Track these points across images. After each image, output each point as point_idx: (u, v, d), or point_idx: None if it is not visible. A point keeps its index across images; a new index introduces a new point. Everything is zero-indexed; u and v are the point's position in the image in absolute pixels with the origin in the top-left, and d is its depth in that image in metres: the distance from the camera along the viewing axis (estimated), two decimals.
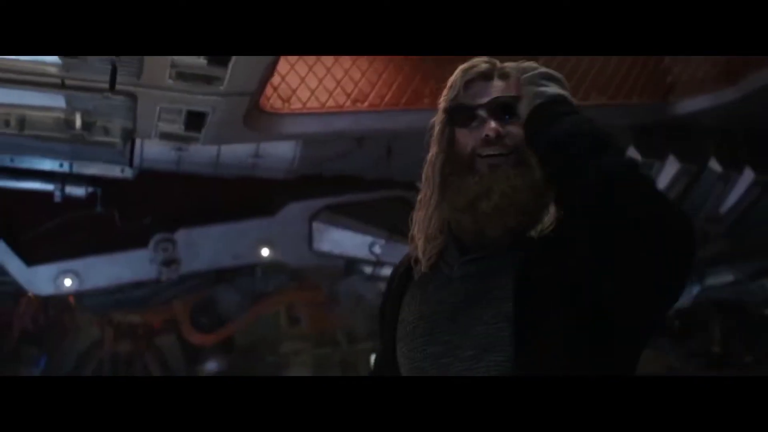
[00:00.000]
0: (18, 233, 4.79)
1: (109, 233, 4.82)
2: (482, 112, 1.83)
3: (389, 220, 4.73)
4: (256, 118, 3.61)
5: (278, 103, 3.70)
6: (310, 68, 3.83)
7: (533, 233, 1.78)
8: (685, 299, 4.70)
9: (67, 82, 3.29)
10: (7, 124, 3.53)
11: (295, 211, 4.78)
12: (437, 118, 1.90)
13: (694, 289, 4.72)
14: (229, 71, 3.15)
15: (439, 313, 1.86)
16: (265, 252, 4.89)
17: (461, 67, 1.89)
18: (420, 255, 1.90)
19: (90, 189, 4.48)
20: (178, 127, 3.47)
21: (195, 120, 3.43)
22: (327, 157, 4.27)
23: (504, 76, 1.87)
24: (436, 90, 3.76)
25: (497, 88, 1.85)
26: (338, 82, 3.72)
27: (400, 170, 4.39)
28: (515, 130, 1.82)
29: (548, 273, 1.71)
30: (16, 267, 4.93)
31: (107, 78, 3.25)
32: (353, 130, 3.97)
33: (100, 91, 3.29)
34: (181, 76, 3.19)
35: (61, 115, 3.58)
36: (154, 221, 4.86)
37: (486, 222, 1.81)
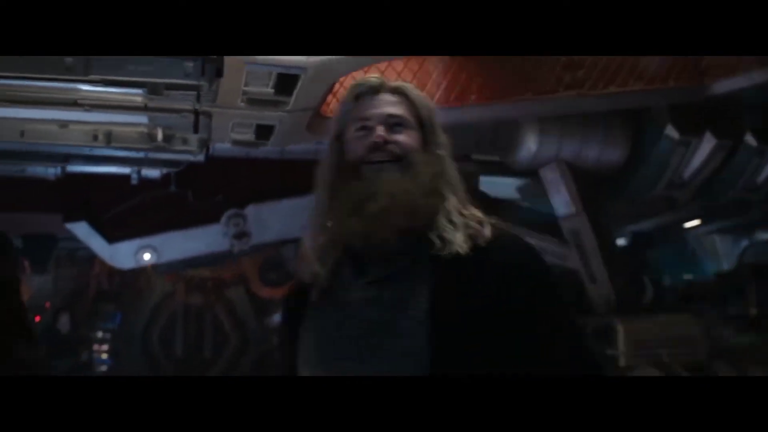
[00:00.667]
0: (99, 214, 5.25)
1: (183, 211, 5.23)
2: (371, 123, 2.03)
3: None
4: (317, 124, 4.00)
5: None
6: (365, 73, 4.24)
7: (432, 252, 1.91)
8: (726, 263, 5.12)
9: (150, 104, 3.82)
10: (95, 138, 4.01)
11: None
12: (330, 133, 2.10)
13: (734, 253, 5.12)
14: (294, 96, 3.63)
15: (340, 340, 2.02)
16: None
17: (351, 83, 2.15)
18: (314, 268, 2.03)
19: (165, 171, 4.84)
20: (249, 137, 3.96)
21: (264, 131, 3.90)
22: None
23: (392, 90, 2.09)
24: (481, 87, 4.20)
25: (386, 101, 2.07)
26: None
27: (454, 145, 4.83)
28: (402, 138, 2.01)
29: (465, 317, 1.85)
30: (98, 245, 5.40)
31: (186, 104, 3.78)
32: None
33: (179, 112, 3.81)
34: (252, 101, 3.67)
35: (144, 130, 4.01)
36: (225, 199, 5.25)
37: (374, 224, 1.95)
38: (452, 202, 2.01)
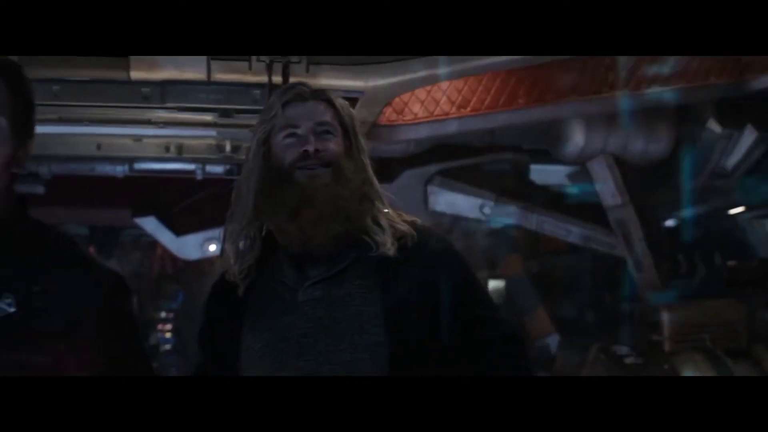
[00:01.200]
0: (166, 209, 5.63)
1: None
2: (300, 130, 2.17)
3: (497, 182, 5.41)
4: (375, 132, 4.39)
5: (393, 116, 4.46)
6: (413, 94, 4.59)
7: (372, 252, 2.11)
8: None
9: (219, 122, 4.25)
10: (167, 149, 4.44)
11: (411, 176, 5.37)
12: (255, 136, 2.27)
13: None
14: (355, 110, 4.03)
15: (288, 339, 2.15)
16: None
17: (278, 90, 2.31)
18: (235, 270, 2.19)
19: (227, 167, 5.28)
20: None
21: None
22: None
23: (318, 98, 2.25)
24: (528, 91, 4.60)
25: (313, 108, 2.21)
26: (444, 92, 4.48)
27: (504, 138, 5.12)
28: (331, 146, 2.18)
29: (413, 309, 2.08)
30: (167, 238, 5.77)
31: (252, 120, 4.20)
32: (458, 133, 4.70)
33: (248, 127, 4.23)
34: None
35: (213, 142, 4.42)
36: None
37: (311, 229, 2.13)
38: (378, 206, 2.23)
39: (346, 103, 2.31)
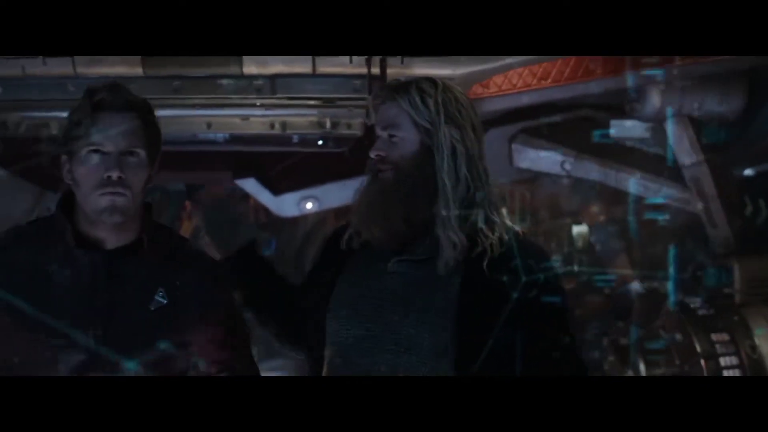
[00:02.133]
0: (264, 170, 6.17)
1: (340, 165, 5.81)
2: (377, 133, 2.57)
3: (577, 139, 5.87)
4: None
5: (479, 90, 4.96)
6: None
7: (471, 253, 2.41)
8: None
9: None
10: (272, 126, 5.02)
11: (496, 135, 5.76)
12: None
13: None
14: None
15: (367, 299, 2.49)
16: None
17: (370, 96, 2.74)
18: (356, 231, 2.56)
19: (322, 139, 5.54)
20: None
21: None
22: None
23: (388, 98, 2.58)
24: (605, 63, 5.17)
25: (381, 113, 2.58)
26: (526, 65, 5.09)
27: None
28: (394, 150, 2.53)
29: (486, 304, 2.36)
30: (266, 197, 6.33)
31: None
32: (540, 103, 5.24)
33: (348, 107, 4.82)
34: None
35: (315, 119, 4.99)
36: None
37: (376, 222, 2.53)
38: (449, 198, 2.51)
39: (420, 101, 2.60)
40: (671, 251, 5.68)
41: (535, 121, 5.95)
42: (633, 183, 5.78)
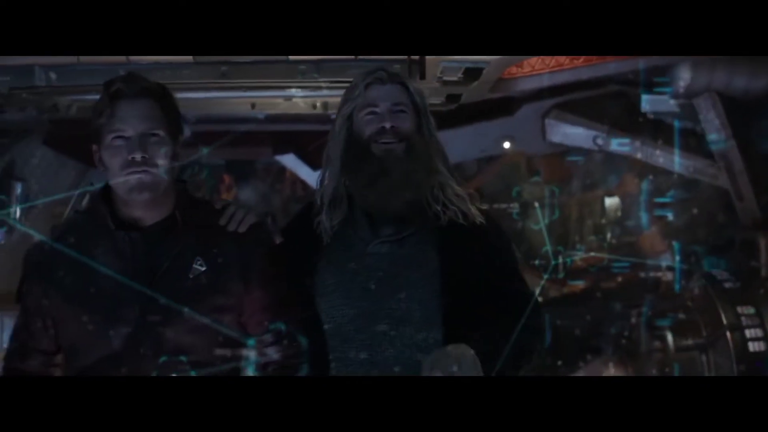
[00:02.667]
0: (302, 147, 6.48)
1: None
2: (379, 109, 2.69)
3: (609, 114, 6.09)
4: (498, 85, 5.12)
5: (514, 70, 5.11)
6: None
7: (438, 220, 2.63)
8: None
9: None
10: (314, 107, 5.24)
11: (529, 110, 6.04)
12: (340, 112, 2.80)
13: None
14: (482, 76, 4.89)
15: (355, 281, 2.63)
16: (506, 144, 6.22)
17: (361, 73, 2.82)
18: (326, 220, 2.71)
19: None
20: (441, 105, 5.23)
21: (452, 98, 5.16)
22: None
23: (395, 80, 2.76)
24: None
25: (391, 90, 2.74)
26: None
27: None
28: (405, 124, 2.69)
29: (468, 275, 2.57)
30: (305, 172, 6.71)
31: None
32: (572, 82, 5.42)
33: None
34: (442, 82, 4.93)
35: None
36: None
37: (385, 196, 2.61)
38: (445, 179, 2.74)
39: (419, 86, 2.90)
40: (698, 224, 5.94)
41: (567, 97, 6.15)
42: (662, 157, 6.02)
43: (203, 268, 2.59)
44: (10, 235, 6.50)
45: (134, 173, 2.51)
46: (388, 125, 2.67)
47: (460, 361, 2.36)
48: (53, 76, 4.46)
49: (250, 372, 2.71)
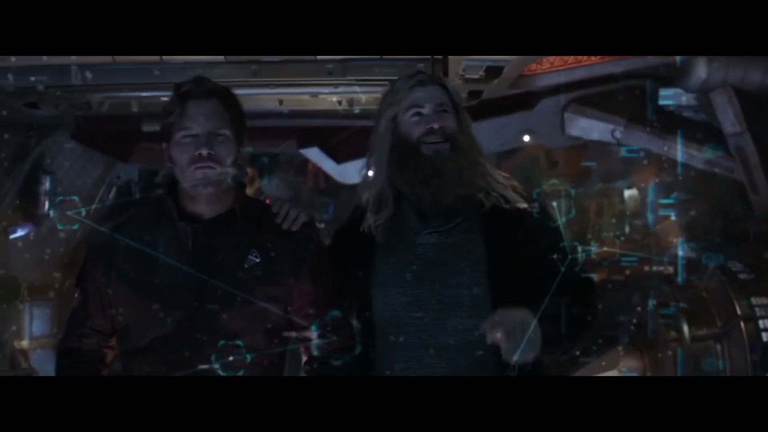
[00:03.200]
0: (327, 140, 6.65)
1: None
2: (424, 110, 2.86)
3: (626, 108, 6.25)
4: (517, 81, 5.34)
5: (533, 66, 5.33)
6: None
7: (483, 209, 2.80)
8: None
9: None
10: (339, 103, 5.42)
11: (548, 104, 6.17)
12: (384, 115, 2.95)
13: None
14: (502, 74, 5.09)
15: (407, 271, 2.79)
16: (526, 138, 6.37)
17: (404, 76, 2.99)
18: (373, 218, 2.88)
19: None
20: (463, 101, 5.40)
21: (474, 94, 5.35)
22: None
23: (436, 82, 2.93)
24: None
25: (433, 91, 2.90)
26: None
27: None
28: (449, 123, 2.86)
29: (512, 256, 2.74)
30: (329, 165, 6.86)
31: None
32: (589, 77, 5.64)
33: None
34: (464, 79, 5.14)
35: (379, 95, 5.49)
36: None
37: (441, 194, 2.79)
38: (487, 169, 2.93)
39: (455, 86, 3.15)
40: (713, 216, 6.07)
41: (586, 91, 6.31)
42: (680, 151, 6.14)
43: (257, 260, 2.82)
44: (38, 228, 6.74)
45: (200, 168, 2.74)
46: (435, 126, 2.85)
47: (524, 324, 2.55)
48: (89, 75, 4.65)
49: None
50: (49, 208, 7.01)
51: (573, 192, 6.57)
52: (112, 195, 7.45)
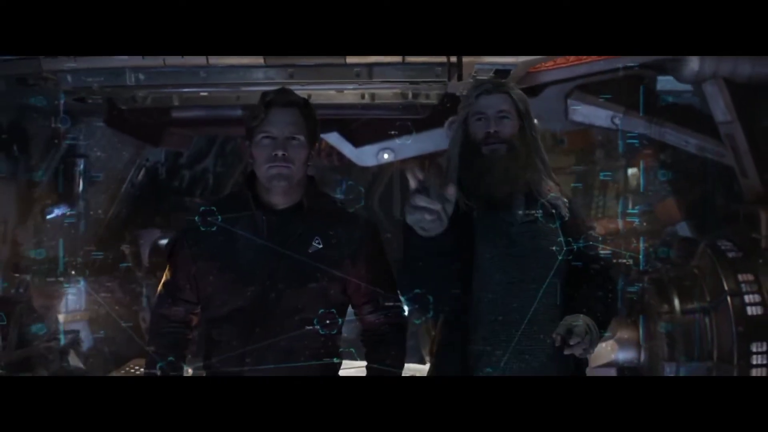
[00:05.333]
0: (346, 125, 7.12)
1: (414, 120, 6.86)
2: (486, 115, 3.27)
3: (626, 96, 6.73)
4: (524, 79, 5.93)
5: (538, 64, 5.93)
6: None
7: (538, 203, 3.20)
8: None
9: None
10: (362, 97, 6.05)
11: (553, 91, 6.65)
12: (459, 118, 3.36)
13: None
14: (510, 75, 5.75)
15: (503, 255, 3.22)
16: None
17: (473, 84, 3.53)
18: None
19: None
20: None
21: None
22: None
23: (500, 90, 3.32)
24: None
25: (497, 99, 3.30)
26: None
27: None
28: (506, 128, 3.27)
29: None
30: (347, 148, 7.33)
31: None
32: (590, 73, 6.20)
33: (429, 83, 5.73)
34: (475, 79, 5.73)
35: (398, 91, 6.05)
36: (447, 109, 6.39)
37: (492, 188, 3.21)
38: (541, 175, 3.33)
39: (521, 92, 3.48)
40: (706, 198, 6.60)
41: (588, 79, 6.81)
42: (675, 136, 6.70)
43: (320, 246, 3.32)
44: (72, 210, 7.44)
45: (275, 166, 3.25)
46: (492, 129, 3.27)
47: (590, 325, 3.02)
48: (142, 77, 5.32)
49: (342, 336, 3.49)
50: (83, 189, 7.67)
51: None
52: (141, 176, 8.07)
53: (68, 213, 7.60)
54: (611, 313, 3.32)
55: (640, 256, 6.48)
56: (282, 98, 3.29)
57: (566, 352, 2.93)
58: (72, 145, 7.49)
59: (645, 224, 7.20)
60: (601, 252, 3.50)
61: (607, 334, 5.71)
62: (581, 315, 3.03)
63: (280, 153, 3.23)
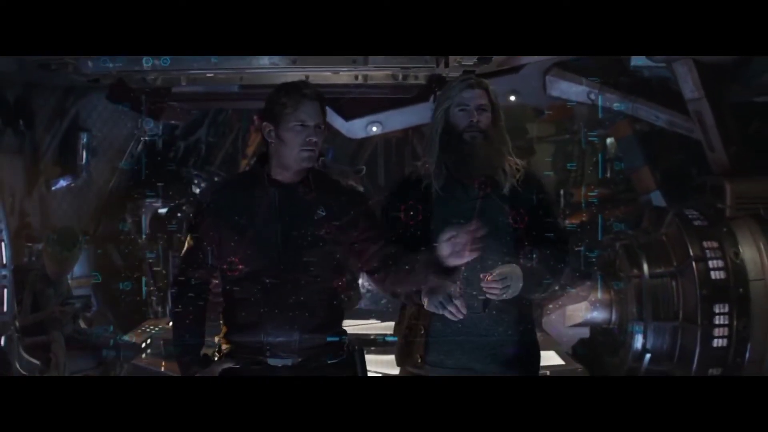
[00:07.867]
0: (337, 100, 7.55)
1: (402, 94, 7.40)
2: (468, 107, 3.61)
3: (602, 74, 7.28)
4: (504, 61, 6.58)
5: None
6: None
7: (506, 182, 3.60)
8: None
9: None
10: (356, 78, 6.60)
11: (533, 68, 7.12)
12: (441, 106, 3.69)
13: None
14: (491, 62, 6.30)
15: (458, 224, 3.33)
16: (512, 97, 7.34)
17: (459, 78, 3.72)
18: (435, 181, 3.65)
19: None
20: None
21: (467, 71, 6.14)
22: None
23: (481, 86, 3.66)
24: None
25: (477, 94, 3.65)
26: None
27: None
28: (485, 119, 3.62)
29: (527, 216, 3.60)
30: (338, 122, 7.85)
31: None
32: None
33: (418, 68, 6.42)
34: (460, 64, 6.28)
35: (390, 73, 6.61)
36: (435, 85, 6.89)
37: (472, 170, 3.58)
38: (508, 158, 3.68)
39: (495, 89, 3.75)
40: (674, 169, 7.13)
41: (566, 57, 7.29)
42: (646, 111, 7.25)
43: (324, 213, 3.73)
44: (76, 181, 8.08)
45: (307, 150, 3.66)
46: (475, 120, 3.60)
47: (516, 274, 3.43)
48: (158, 62, 5.95)
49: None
50: (86, 162, 8.20)
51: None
52: (140, 148, 8.64)
53: (72, 184, 8.11)
54: (556, 274, 3.72)
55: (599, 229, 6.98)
56: (313, 92, 3.70)
57: (482, 285, 3.45)
58: (75, 120, 8.02)
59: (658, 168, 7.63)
60: (560, 222, 3.98)
61: (572, 291, 6.58)
62: (514, 265, 3.46)
63: (313, 139, 3.66)
